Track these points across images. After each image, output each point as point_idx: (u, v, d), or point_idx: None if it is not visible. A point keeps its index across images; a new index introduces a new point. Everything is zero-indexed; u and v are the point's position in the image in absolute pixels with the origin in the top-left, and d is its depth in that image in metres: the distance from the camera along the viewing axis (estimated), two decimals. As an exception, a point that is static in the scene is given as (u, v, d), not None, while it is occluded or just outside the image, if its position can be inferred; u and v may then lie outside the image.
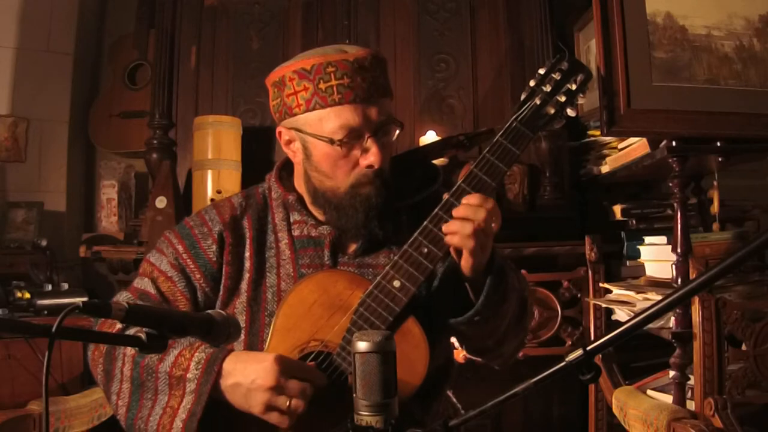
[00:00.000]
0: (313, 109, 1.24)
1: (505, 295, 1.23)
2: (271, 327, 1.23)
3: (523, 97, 1.25)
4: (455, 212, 1.17)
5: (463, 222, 1.15)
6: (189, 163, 2.87)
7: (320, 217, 1.34)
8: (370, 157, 1.24)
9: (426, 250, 1.19)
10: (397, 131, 1.30)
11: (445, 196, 1.21)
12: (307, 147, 1.28)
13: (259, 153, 2.86)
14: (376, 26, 2.91)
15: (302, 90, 1.24)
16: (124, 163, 3.30)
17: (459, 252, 1.18)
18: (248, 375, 1.13)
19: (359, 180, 1.26)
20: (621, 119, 1.77)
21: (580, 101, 1.26)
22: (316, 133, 1.24)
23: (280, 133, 1.33)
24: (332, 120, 1.23)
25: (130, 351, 1.21)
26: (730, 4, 1.83)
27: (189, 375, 1.15)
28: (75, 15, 3.28)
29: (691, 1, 1.83)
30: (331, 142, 1.23)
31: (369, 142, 1.24)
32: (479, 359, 1.39)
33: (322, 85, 1.22)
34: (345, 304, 1.21)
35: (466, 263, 1.17)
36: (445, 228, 1.17)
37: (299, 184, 1.36)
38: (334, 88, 1.22)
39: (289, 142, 1.32)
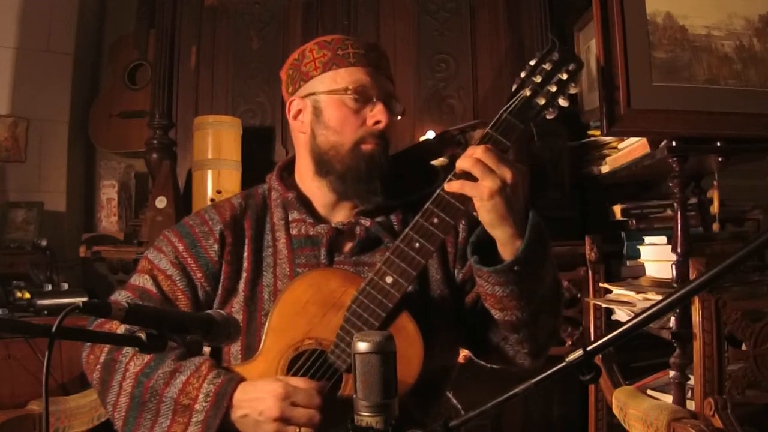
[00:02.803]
0: (330, 69, 1.32)
1: (545, 254, 1.20)
2: (266, 326, 1.23)
3: (513, 88, 1.25)
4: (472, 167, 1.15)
5: (463, 160, 1.15)
6: (189, 163, 2.87)
7: (318, 204, 1.36)
8: (378, 114, 1.31)
9: (418, 245, 1.19)
10: (399, 117, 1.36)
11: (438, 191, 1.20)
12: (319, 107, 1.33)
13: (259, 153, 2.86)
14: (376, 26, 2.91)
15: (321, 56, 1.34)
16: (124, 163, 3.30)
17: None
18: (255, 407, 1.13)
19: (364, 137, 1.31)
20: (621, 119, 1.77)
21: (573, 91, 1.25)
22: (330, 88, 1.32)
23: (290, 104, 1.38)
24: (346, 77, 1.32)
25: (132, 368, 1.20)
26: (730, 4, 1.83)
27: (197, 406, 1.15)
28: (75, 15, 3.28)
29: (691, 1, 1.83)
30: (345, 90, 1.30)
31: (378, 104, 1.32)
32: (507, 358, 1.30)
33: (340, 51, 1.33)
34: (338, 301, 1.21)
35: (490, 219, 1.15)
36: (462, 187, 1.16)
37: (301, 166, 1.38)
38: (351, 54, 1.33)
39: (298, 113, 1.37)
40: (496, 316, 1.23)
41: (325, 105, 1.32)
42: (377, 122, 1.30)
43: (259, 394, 1.13)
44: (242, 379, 1.18)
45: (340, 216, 1.36)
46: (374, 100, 1.31)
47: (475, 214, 1.20)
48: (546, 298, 1.24)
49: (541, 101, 1.23)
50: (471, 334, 1.34)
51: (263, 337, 1.22)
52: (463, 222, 1.36)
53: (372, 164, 1.30)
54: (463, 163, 1.15)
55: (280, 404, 1.11)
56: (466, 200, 1.18)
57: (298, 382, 1.16)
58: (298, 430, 1.12)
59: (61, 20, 3.23)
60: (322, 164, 1.33)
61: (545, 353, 1.31)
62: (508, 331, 1.25)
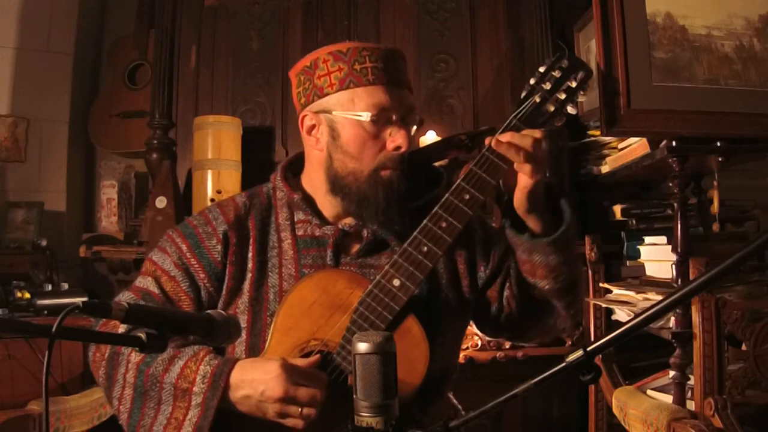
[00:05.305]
0: (347, 88, 1.27)
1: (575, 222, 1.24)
2: (272, 326, 1.22)
3: (523, 95, 1.25)
4: (507, 136, 1.19)
5: (522, 137, 1.18)
6: (189, 163, 2.87)
7: (327, 214, 1.34)
8: (398, 138, 1.27)
9: (426, 248, 1.19)
10: (415, 127, 1.33)
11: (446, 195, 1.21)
12: (335, 128, 1.29)
13: (259, 153, 2.86)
14: (376, 26, 2.91)
15: (336, 70, 1.27)
16: (124, 163, 3.30)
17: (513, 185, 1.20)
18: (257, 387, 1.13)
19: (384, 163, 1.28)
20: (621, 119, 1.77)
21: (581, 99, 1.26)
22: (348, 111, 1.27)
23: (303, 119, 1.33)
24: (365, 99, 1.26)
25: (134, 358, 1.21)
26: (730, 4, 1.83)
27: (195, 389, 1.15)
28: (75, 15, 3.28)
29: (691, 1, 1.83)
30: (364, 119, 1.25)
31: (397, 125, 1.27)
32: (548, 329, 1.36)
33: (357, 66, 1.26)
34: (345, 303, 1.21)
35: (525, 187, 1.18)
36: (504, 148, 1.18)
37: (313, 177, 1.36)
38: (369, 70, 1.26)
39: (312, 128, 1.33)
40: (546, 287, 1.25)
41: (341, 127, 1.28)
42: (398, 147, 1.27)
43: (260, 374, 1.13)
44: (238, 360, 1.18)
45: (346, 219, 1.35)
46: (394, 118, 1.28)
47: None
48: (579, 266, 1.30)
49: (551, 108, 1.24)
50: (498, 318, 1.35)
51: (268, 338, 1.22)
52: (474, 224, 1.36)
53: (390, 190, 1.27)
54: (523, 140, 1.17)
55: (283, 384, 1.11)
56: (475, 204, 1.19)
57: (297, 360, 1.16)
58: (300, 410, 1.12)
59: (61, 20, 3.23)
60: (339, 187, 1.30)
61: (580, 314, 1.37)
62: (557, 298, 1.27)
